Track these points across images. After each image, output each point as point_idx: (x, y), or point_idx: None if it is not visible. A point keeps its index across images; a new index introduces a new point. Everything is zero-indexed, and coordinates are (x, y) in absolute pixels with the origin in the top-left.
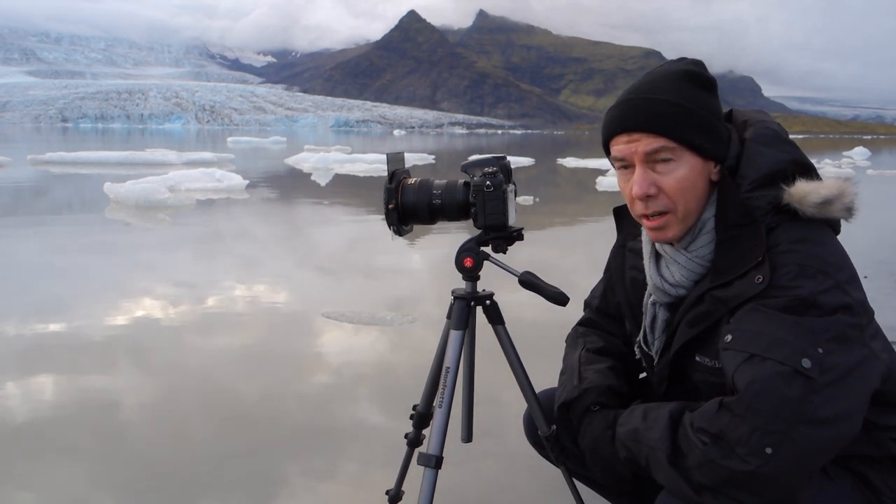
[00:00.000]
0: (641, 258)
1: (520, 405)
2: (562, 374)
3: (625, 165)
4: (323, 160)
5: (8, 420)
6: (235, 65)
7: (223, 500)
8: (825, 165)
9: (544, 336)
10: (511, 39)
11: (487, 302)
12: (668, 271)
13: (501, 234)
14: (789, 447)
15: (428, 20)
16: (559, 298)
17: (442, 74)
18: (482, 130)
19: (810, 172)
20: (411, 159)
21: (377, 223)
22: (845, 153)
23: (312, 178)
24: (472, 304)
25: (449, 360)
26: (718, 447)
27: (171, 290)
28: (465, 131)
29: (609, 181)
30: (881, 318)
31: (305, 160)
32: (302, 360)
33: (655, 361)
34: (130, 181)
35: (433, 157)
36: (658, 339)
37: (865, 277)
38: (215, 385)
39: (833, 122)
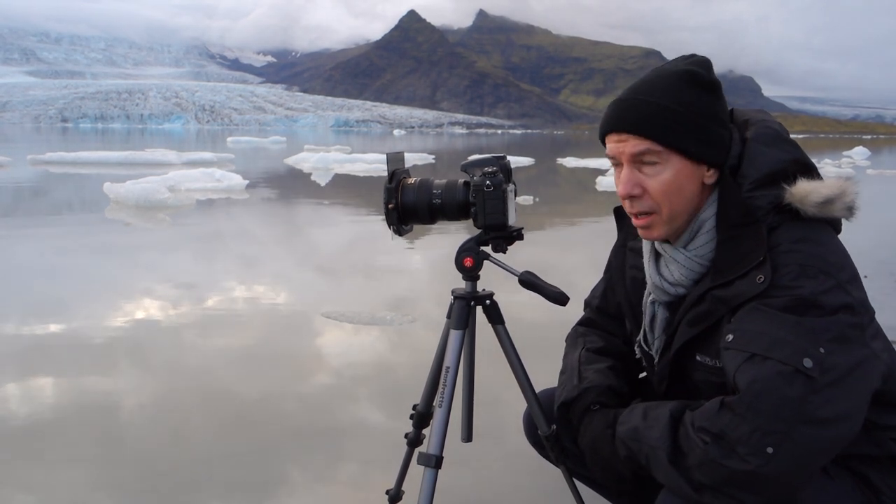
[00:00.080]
0: (642, 257)
1: (520, 405)
2: (562, 373)
3: (617, 163)
4: (323, 160)
5: (8, 420)
6: (235, 65)
7: (223, 500)
8: (825, 165)
9: (544, 336)
10: (511, 39)
11: (487, 302)
12: (667, 270)
13: (501, 234)
14: (790, 447)
15: (428, 20)
16: (559, 298)
17: (442, 74)
18: (482, 130)
19: (811, 172)
20: (411, 159)
21: (377, 223)
22: (845, 153)
23: (312, 177)
24: (472, 303)
25: (449, 360)
26: (719, 446)
27: (170, 290)
28: (464, 131)
29: (609, 181)
30: (881, 318)
31: (305, 160)
32: (302, 360)
33: (656, 361)
34: (130, 181)
35: (433, 156)
36: (658, 338)
37: (866, 277)
38: (215, 385)
39: (833, 121)
